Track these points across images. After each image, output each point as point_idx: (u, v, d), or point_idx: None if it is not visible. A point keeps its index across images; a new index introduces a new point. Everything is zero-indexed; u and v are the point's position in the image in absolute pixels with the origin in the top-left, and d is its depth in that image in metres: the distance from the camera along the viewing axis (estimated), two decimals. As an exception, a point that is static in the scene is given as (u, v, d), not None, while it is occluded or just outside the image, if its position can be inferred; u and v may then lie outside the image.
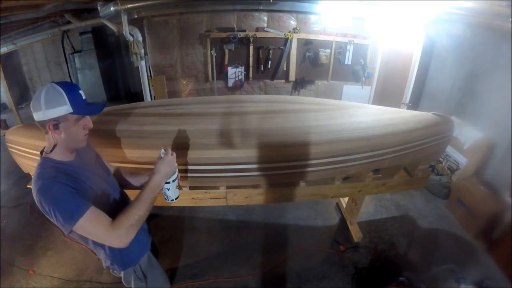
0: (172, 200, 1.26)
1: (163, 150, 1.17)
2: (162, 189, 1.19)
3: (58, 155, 1.06)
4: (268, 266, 2.30)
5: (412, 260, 2.38)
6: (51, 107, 0.98)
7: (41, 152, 1.10)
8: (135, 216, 1.02)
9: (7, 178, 3.40)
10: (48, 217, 1.00)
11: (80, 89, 1.06)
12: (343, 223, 2.72)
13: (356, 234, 2.54)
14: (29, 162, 1.87)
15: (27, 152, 1.81)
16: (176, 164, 1.21)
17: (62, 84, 1.02)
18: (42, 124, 1.01)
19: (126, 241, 1.00)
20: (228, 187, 1.86)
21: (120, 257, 1.26)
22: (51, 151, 1.05)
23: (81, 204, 0.98)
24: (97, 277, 2.21)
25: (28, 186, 2.01)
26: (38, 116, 1.00)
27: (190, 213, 2.82)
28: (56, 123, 1.00)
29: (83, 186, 1.05)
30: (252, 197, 1.91)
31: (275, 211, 2.86)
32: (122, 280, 1.37)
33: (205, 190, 1.86)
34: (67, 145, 1.07)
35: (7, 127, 4.42)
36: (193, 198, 1.90)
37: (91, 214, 0.98)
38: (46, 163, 1.05)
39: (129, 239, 1.01)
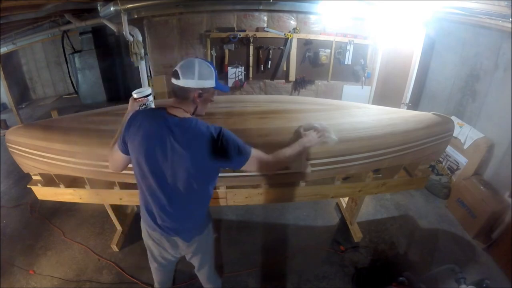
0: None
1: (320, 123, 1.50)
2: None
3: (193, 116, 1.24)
4: (268, 266, 2.30)
5: (412, 260, 2.38)
6: (204, 78, 1.17)
7: (169, 114, 1.20)
8: (285, 154, 1.33)
9: (7, 178, 3.40)
10: (224, 144, 1.18)
11: (215, 70, 1.25)
12: (343, 223, 2.72)
13: (356, 234, 2.54)
14: (29, 162, 1.87)
15: (27, 152, 1.81)
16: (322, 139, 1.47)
17: (207, 61, 1.23)
18: (188, 90, 1.17)
19: (274, 170, 1.45)
20: (228, 187, 1.86)
21: (207, 215, 1.46)
22: (193, 113, 1.24)
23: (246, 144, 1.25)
24: (97, 277, 2.21)
25: (28, 186, 2.02)
26: (187, 83, 1.16)
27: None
28: (201, 92, 1.18)
29: None
30: (252, 197, 1.91)
31: (275, 211, 2.86)
32: (195, 250, 1.47)
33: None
34: (198, 111, 1.25)
35: (7, 127, 4.42)
36: (193, 198, 1.89)
37: (255, 149, 1.26)
38: (197, 120, 1.21)
39: (276, 169, 1.47)
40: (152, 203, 1.28)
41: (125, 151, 1.25)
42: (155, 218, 1.31)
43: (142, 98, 1.37)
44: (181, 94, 1.19)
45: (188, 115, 1.21)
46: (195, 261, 1.57)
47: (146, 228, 1.40)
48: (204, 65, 1.18)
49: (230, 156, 1.19)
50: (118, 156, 1.28)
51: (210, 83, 1.19)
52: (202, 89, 1.18)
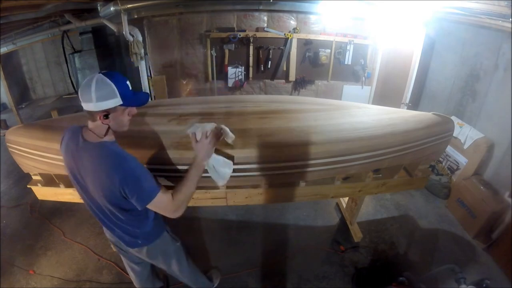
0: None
1: (196, 132, 1.29)
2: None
3: (109, 138, 1.16)
4: (268, 266, 2.30)
5: (412, 260, 2.38)
6: (102, 99, 1.05)
7: (82, 137, 1.14)
8: (188, 192, 1.22)
9: (7, 178, 3.40)
10: (124, 191, 1.10)
11: (127, 80, 1.13)
12: (343, 223, 2.72)
13: (356, 234, 2.54)
14: (29, 162, 1.87)
15: (27, 152, 1.80)
16: (212, 145, 1.32)
17: (111, 75, 1.07)
18: (92, 113, 1.08)
19: (181, 212, 1.22)
20: (228, 187, 1.86)
21: (153, 228, 1.39)
22: (105, 135, 1.14)
23: (155, 184, 1.15)
24: (97, 277, 2.21)
25: (28, 186, 2.02)
26: (88, 106, 1.06)
27: (190, 213, 2.82)
28: (106, 114, 1.08)
29: None
30: (252, 197, 1.91)
31: (275, 211, 2.86)
32: (146, 257, 1.47)
33: (205, 190, 1.85)
34: (113, 129, 1.16)
35: (7, 127, 4.42)
36: (193, 198, 1.89)
37: (161, 193, 1.15)
38: (108, 144, 1.13)
39: (183, 211, 1.22)
40: (98, 218, 1.33)
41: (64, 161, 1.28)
42: (106, 228, 1.37)
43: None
44: (89, 117, 1.11)
45: (99, 139, 1.13)
46: (165, 269, 1.61)
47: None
48: (102, 84, 1.04)
49: (131, 189, 1.10)
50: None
51: (113, 102, 1.06)
52: (105, 110, 1.07)
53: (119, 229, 1.31)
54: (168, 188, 1.23)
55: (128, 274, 1.68)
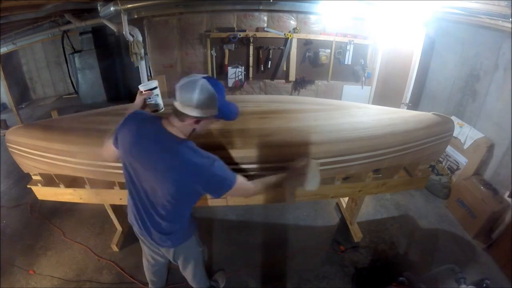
0: None
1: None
2: None
3: (190, 138, 1.17)
4: (268, 266, 2.30)
5: (412, 260, 2.38)
6: (203, 108, 1.05)
7: (168, 133, 1.13)
8: (265, 184, 1.29)
9: (7, 178, 3.40)
10: (208, 185, 1.15)
11: (224, 91, 1.13)
12: (343, 223, 2.72)
13: (356, 234, 2.54)
14: (29, 162, 1.87)
15: (27, 152, 1.80)
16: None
17: (214, 84, 1.07)
18: (184, 115, 1.07)
19: (255, 195, 1.35)
20: (228, 187, 1.85)
21: (188, 228, 1.41)
22: (189, 135, 1.16)
23: (233, 173, 1.19)
24: (97, 277, 2.21)
25: (28, 186, 2.02)
26: (185, 109, 1.05)
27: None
28: (199, 120, 1.09)
29: None
30: (252, 197, 1.91)
31: (275, 211, 2.86)
32: (170, 256, 1.49)
33: (205, 190, 1.85)
34: (197, 131, 1.17)
35: (7, 127, 4.42)
36: (193, 198, 1.89)
37: (240, 180, 1.20)
38: (192, 144, 1.14)
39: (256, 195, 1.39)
40: (134, 207, 1.32)
41: (116, 145, 1.24)
42: (139, 222, 1.35)
43: (148, 91, 1.35)
44: (178, 115, 1.10)
45: (182, 137, 1.14)
46: (181, 269, 1.64)
47: (133, 227, 1.45)
48: (207, 91, 1.03)
49: (212, 188, 1.16)
50: (109, 146, 1.27)
51: (211, 112, 1.08)
52: (200, 117, 1.08)
53: (159, 229, 1.30)
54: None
55: (143, 265, 1.72)
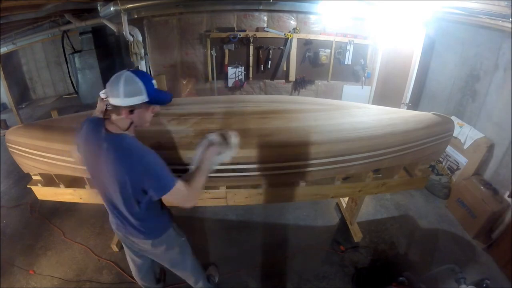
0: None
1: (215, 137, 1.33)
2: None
3: (130, 132, 1.21)
4: (268, 266, 2.30)
5: (412, 260, 2.38)
6: (130, 96, 1.11)
7: (104, 128, 1.17)
8: (200, 182, 1.25)
9: (7, 178, 3.40)
10: (143, 182, 1.15)
11: (153, 79, 1.19)
12: (343, 223, 2.72)
13: (356, 234, 2.54)
14: (29, 162, 1.87)
15: (27, 152, 1.80)
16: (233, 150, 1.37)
17: (138, 73, 1.13)
18: (117, 108, 1.13)
19: (196, 201, 1.27)
20: (228, 187, 1.86)
21: (160, 222, 1.42)
22: (127, 129, 1.19)
23: (172, 174, 1.18)
24: (97, 277, 2.21)
25: (28, 186, 2.02)
26: (115, 101, 1.12)
27: (190, 213, 2.82)
28: (132, 109, 1.14)
29: None
30: (252, 197, 1.91)
31: (275, 211, 2.86)
32: (151, 252, 1.47)
33: (205, 190, 1.86)
34: (136, 125, 1.22)
35: (7, 127, 4.42)
36: (193, 198, 1.89)
37: (180, 182, 1.18)
38: (130, 137, 1.18)
39: (197, 200, 1.28)
40: (108, 209, 1.37)
41: (79, 152, 1.31)
42: (115, 222, 1.41)
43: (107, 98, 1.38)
44: (113, 111, 1.16)
45: (120, 131, 1.17)
46: (166, 264, 1.62)
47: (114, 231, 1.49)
48: (131, 80, 1.10)
49: (149, 183, 1.15)
50: (76, 153, 1.34)
51: (140, 98, 1.13)
52: (132, 106, 1.13)
53: (127, 222, 1.32)
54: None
55: (130, 268, 1.70)
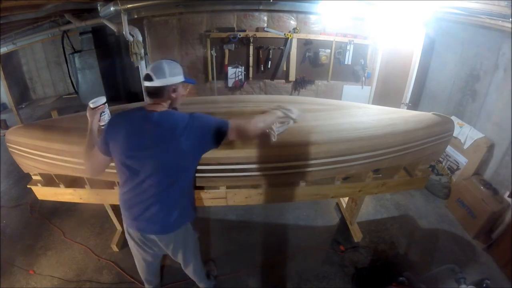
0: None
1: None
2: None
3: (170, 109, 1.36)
4: (268, 266, 2.30)
5: (412, 260, 2.38)
6: (173, 75, 1.31)
7: (151, 111, 1.29)
8: (259, 122, 1.42)
9: (7, 178, 3.40)
10: (203, 130, 1.29)
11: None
12: (343, 223, 2.72)
13: (356, 234, 2.54)
14: (29, 162, 1.87)
15: (27, 152, 1.81)
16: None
17: (172, 60, 1.37)
18: (163, 88, 1.29)
19: (257, 132, 1.42)
20: (228, 187, 1.86)
21: (190, 207, 1.49)
22: (170, 107, 1.37)
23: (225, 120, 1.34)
24: (97, 277, 2.21)
25: (28, 186, 2.02)
26: (161, 82, 1.28)
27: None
28: (175, 88, 1.33)
29: None
30: (252, 197, 1.91)
31: (275, 211, 2.86)
32: (166, 245, 1.47)
33: (205, 190, 1.86)
34: (174, 104, 1.39)
35: (7, 127, 4.42)
36: (193, 198, 1.89)
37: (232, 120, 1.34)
38: (173, 111, 1.34)
39: (257, 132, 1.43)
40: (134, 199, 1.34)
41: (106, 153, 1.33)
42: (134, 215, 1.36)
43: (100, 106, 1.47)
44: (157, 94, 1.30)
45: (165, 108, 1.32)
46: (179, 259, 1.61)
47: (127, 228, 1.46)
48: (172, 64, 1.32)
49: (208, 132, 1.28)
50: (99, 158, 1.36)
51: (179, 78, 1.34)
52: (175, 84, 1.32)
53: (163, 208, 1.33)
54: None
55: (137, 267, 1.68)
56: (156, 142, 1.24)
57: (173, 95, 1.33)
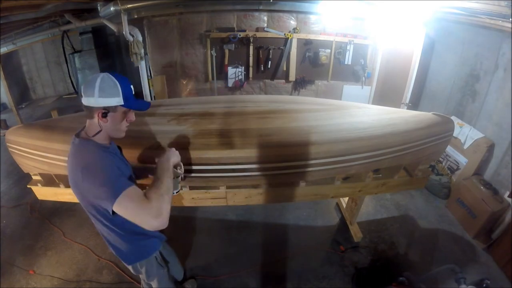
0: (173, 192, 1.23)
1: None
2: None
3: (99, 140, 1.11)
4: (268, 266, 2.30)
5: (412, 260, 2.38)
6: (104, 96, 1.03)
7: (77, 135, 1.12)
8: (161, 188, 1.04)
9: (7, 178, 3.40)
10: (86, 194, 1.05)
11: (131, 84, 1.12)
12: (343, 223, 2.72)
13: (356, 234, 2.54)
14: (29, 162, 1.87)
15: (27, 152, 1.80)
16: (178, 156, 1.28)
17: (116, 75, 1.07)
18: (91, 109, 1.05)
19: (164, 220, 1.00)
20: (228, 187, 1.86)
21: (141, 247, 1.32)
22: (94, 135, 1.09)
23: (125, 182, 1.02)
24: (97, 277, 2.21)
25: (28, 186, 2.02)
26: (89, 101, 1.04)
27: (190, 213, 2.82)
28: (105, 112, 1.05)
29: (121, 169, 1.11)
30: (252, 197, 1.91)
31: (275, 211, 2.86)
32: (133, 271, 1.42)
33: (205, 190, 1.86)
34: (109, 133, 1.12)
35: (7, 127, 4.42)
36: (193, 198, 1.90)
37: (132, 190, 1.01)
38: (90, 144, 1.09)
39: (165, 213, 1.00)
40: None
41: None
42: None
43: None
44: (86, 114, 1.08)
45: (87, 137, 1.10)
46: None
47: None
48: (108, 80, 1.04)
49: (93, 195, 1.03)
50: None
51: (115, 101, 1.05)
52: (105, 108, 1.04)
53: (104, 238, 1.27)
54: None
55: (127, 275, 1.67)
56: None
57: (103, 120, 1.06)
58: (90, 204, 1.09)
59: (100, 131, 1.09)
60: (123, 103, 1.07)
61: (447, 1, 2.53)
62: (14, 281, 2.17)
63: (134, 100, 1.11)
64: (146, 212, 0.98)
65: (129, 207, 0.99)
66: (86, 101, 1.04)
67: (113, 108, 1.06)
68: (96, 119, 1.07)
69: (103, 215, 1.11)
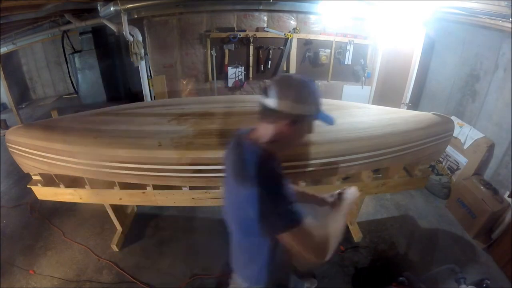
0: None
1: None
2: None
3: (271, 149, 0.92)
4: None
5: (412, 260, 2.38)
6: (302, 102, 0.86)
7: (239, 136, 0.99)
8: (336, 232, 0.94)
9: (7, 178, 3.40)
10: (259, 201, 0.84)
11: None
12: (343, 223, 2.72)
13: (356, 234, 2.54)
14: (29, 162, 1.87)
15: (27, 152, 1.81)
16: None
17: (311, 80, 0.91)
18: (277, 114, 0.87)
19: (329, 254, 0.87)
20: (228, 187, 1.86)
21: (269, 271, 1.11)
22: (269, 141, 0.91)
23: (299, 213, 0.84)
24: (97, 277, 2.20)
25: (28, 186, 2.02)
26: (280, 105, 0.85)
27: (190, 213, 2.82)
28: (295, 120, 0.87)
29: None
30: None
31: (275, 211, 2.85)
32: None
33: (205, 190, 1.86)
34: (284, 144, 0.94)
35: (7, 127, 4.42)
36: (193, 198, 1.90)
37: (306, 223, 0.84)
38: (263, 146, 0.91)
39: (330, 253, 0.87)
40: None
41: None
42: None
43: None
44: (266, 116, 0.90)
45: (256, 140, 0.94)
46: None
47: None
48: (309, 84, 0.88)
49: (264, 210, 0.84)
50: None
51: (311, 109, 0.88)
52: (297, 115, 0.87)
53: (239, 262, 1.16)
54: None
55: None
56: (228, 179, 0.97)
57: (288, 129, 0.88)
58: (242, 214, 0.96)
59: (276, 139, 0.92)
60: (314, 114, 0.91)
61: (447, 1, 2.53)
62: (14, 281, 2.17)
63: (322, 112, 0.94)
64: (317, 250, 0.87)
65: (299, 240, 0.87)
66: (275, 103, 0.86)
67: (303, 117, 0.89)
68: (278, 126, 0.89)
69: (247, 227, 0.97)
